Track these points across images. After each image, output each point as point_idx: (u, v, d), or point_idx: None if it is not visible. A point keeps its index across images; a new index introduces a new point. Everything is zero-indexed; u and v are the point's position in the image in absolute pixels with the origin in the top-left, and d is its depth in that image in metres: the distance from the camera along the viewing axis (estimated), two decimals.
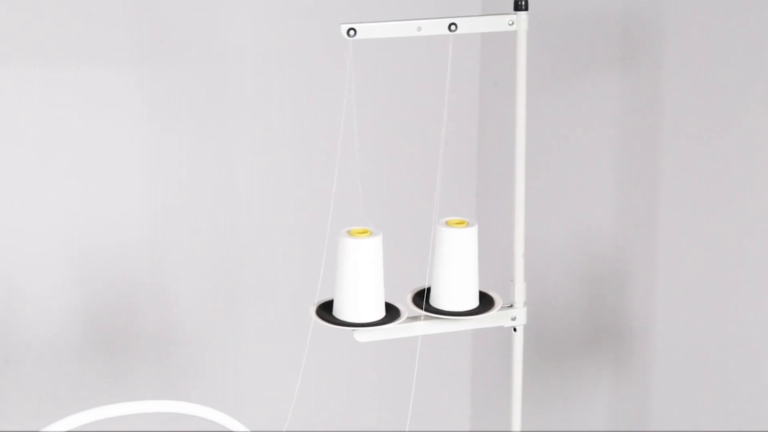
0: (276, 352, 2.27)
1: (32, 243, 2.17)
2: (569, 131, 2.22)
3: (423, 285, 1.71)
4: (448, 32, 1.61)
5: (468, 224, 1.67)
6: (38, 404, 2.19)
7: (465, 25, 1.62)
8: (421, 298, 1.70)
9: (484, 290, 1.71)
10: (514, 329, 1.74)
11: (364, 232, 1.63)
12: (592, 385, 2.25)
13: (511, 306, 1.73)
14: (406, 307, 1.68)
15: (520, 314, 1.73)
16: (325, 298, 1.67)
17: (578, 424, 2.26)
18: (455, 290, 1.66)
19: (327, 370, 2.34)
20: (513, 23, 1.65)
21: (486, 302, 1.70)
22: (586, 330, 2.27)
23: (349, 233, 1.62)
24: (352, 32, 1.57)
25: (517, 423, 1.70)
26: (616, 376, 2.22)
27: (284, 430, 1.49)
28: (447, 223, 1.67)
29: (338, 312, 1.64)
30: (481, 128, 2.34)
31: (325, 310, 1.66)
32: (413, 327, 1.67)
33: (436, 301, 1.68)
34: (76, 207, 2.19)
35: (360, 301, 1.61)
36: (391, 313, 1.66)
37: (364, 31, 1.58)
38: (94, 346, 2.24)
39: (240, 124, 2.22)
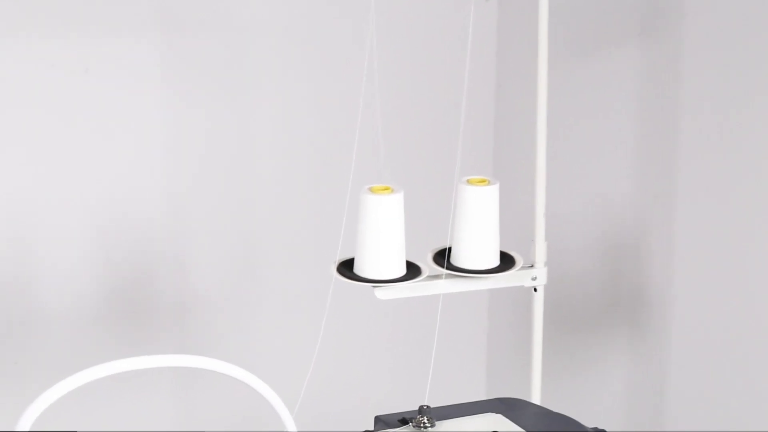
0: (296, 318, 2.26)
1: (54, 215, 2.17)
2: (588, 99, 2.21)
3: (444, 245, 1.71)
4: None
5: (489, 183, 1.66)
6: (58, 372, 2.19)
7: None
8: (442, 258, 1.70)
9: (505, 251, 1.71)
10: (535, 289, 1.73)
11: (386, 189, 1.63)
12: (609, 357, 2.25)
13: (532, 266, 1.73)
14: (427, 265, 1.68)
15: (540, 274, 1.73)
16: (347, 256, 1.68)
17: (595, 396, 2.26)
18: (476, 249, 1.66)
19: (346, 330, 2.33)
20: None
21: (506, 262, 1.70)
22: (604, 302, 2.26)
23: (371, 190, 1.62)
24: None
25: (537, 382, 1.70)
26: (634, 349, 2.22)
27: (303, 389, 1.49)
28: (468, 182, 1.67)
29: (359, 269, 1.64)
30: (499, 89, 2.34)
31: (346, 268, 1.66)
32: (434, 285, 1.66)
33: (456, 260, 1.68)
34: (98, 180, 2.19)
35: (381, 257, 1.61)
36: (412, 271, 1.66)
37: None
38: (115, 316, 2.24)
39: (260, 91, 2.22)
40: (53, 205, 2.17)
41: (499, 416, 1.49)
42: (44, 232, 2.18)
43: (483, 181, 1.67)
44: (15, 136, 2.11)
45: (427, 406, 1.45)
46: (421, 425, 1.45)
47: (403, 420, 1.46)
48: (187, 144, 2.23)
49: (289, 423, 1.56)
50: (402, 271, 1.64)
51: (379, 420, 1.48)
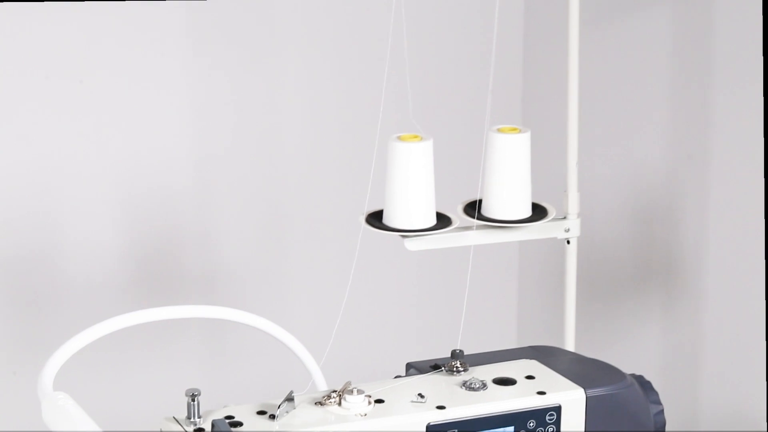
0: (325, 280, 2.23)
1: (79, 188, 2.16)
2: (620, 56, 2.17)
3: (475, 197, 1.68)
4: None
5: (520, 131, 1.63)
6: (90, 363, 2.17)
7: None
8: (473, 210, 1.66)
9: (537, 203, 1.68)
10: (568, 241, 1.70)
11: (415, 137, 1.60)
12: (641, 323, 2.21)
13: (565, 218, 1.69)
14: (458, 216, 1.64)
15: (573, 226, 1.69)
16: (376, 209, 1.64)
17: (628, 363, 2.22)
18: (507, 199, 1.62)
19: (376, 282, 2.30)
20: None
21: (538, 214, 1.66)
22: (636, 266, 2.22)
23: (400, 138, 1.59)
24: None
25: (570, 332, 1.66)
26: (667, 314, 2.17)
27: (332, 337, 1.46)
28: (499, 130, 1.63)
29: (388, 220, 1.61)
30: (527, 38, 2.30)
31: (375, 218, 1.63)
32: (465, 236, 1.63)
33: (487, 211, 1.64)
34: (124, 152, 2.17)
35: (411, 206, 1.58)
36: (442, 222, 1.63)
37: None
38: (141, 289, 2.22)
39: (286, 49, 2.20)
40: (78, 177, 2.16)
41: (534, 362, 1.45)
42: (69, 205, 2.16)
43: (514, 129, 1.64)
44: (39, 105, 2.09)
45: (460, 351, 1.42)
46: (454, 369, 1.41)
47: (436, 366, 1.43)
48: (214, 113, 2.21)
49: (315, 371, 1.54)
50: (432, 221, 1.61)
51: (410, 366, 1.44)
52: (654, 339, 2.17)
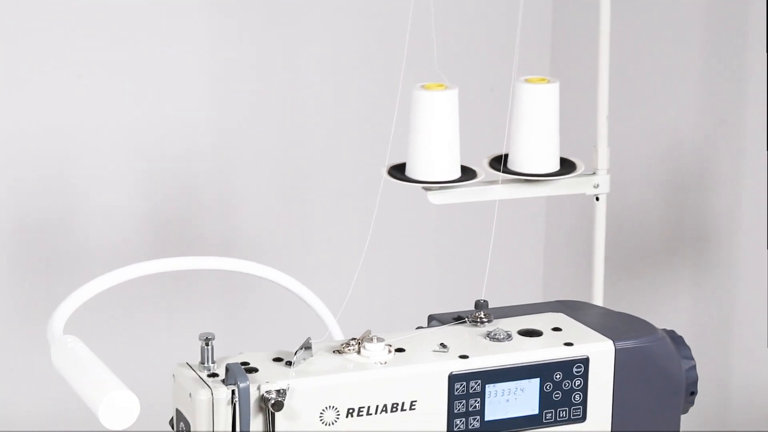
0: (346, 238, 2.19)
1: (96, 151, 2.12)
2: (653, 13, 2.11)
3: (500, 152, 1.63)
4: None
5: (549, 81, 1.58)
6: (98, 311, 2.13)
7: None
8: (499, 164, 1.61)
9: (565, 157, 1.63)
10: (597, 198, 1.65)
11: (440, 86, 1.55)
12: (672, 290, 2.15)
13: (594, 173, 1.64)
14: (483, 170, 1.60)
15: (603, 182, 1.64)
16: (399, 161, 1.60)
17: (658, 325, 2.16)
18: (535, 152, 1.57)
19: (398, 236, 2.26)
20: None
21: (567, 168, 1.61)
22: (667, 233, 2.16)
23: (424, 87, 1.55)
24: None
25: (599, 288, 1.61)
26: (699, 282, 2.12)
27: (349, 293, 1.41)
28: (527, 81, 1.58)
29: (411, 172, 1.56)
30: None
31: (398, 172, 1.58)
32: (489, 190, 1.58)
33: (514, 165, 1.60)
34: (143, 116, 2.14)
35: (434, 157, 1.53)
36: (467, 175, 1.58)
37: None
38: (160, 254, 2.18)
39: (310, 8, 2.15)
40: (95, 140, 2.12)
41: (561, 315, 1.40)
42: (88, 170, 2.13)
43: (542, 79, 1.59)
44: (59, 68, 2.06)
45: (485, 301, 1.37)
46: (478, 321, 1.36)
47: (459, 318, 1.38)
48: (236, 77, 2.17)
49: (331, 323, 1.49)
50: (456, 174, 1.56)
51: (432, 318, 1.40)
52: (684, 305, 2.11)
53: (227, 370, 1.21)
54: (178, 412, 1.25)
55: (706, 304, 2.10)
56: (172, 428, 1.28)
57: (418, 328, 1.38)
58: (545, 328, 1.36)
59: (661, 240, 2.18)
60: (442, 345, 1.31)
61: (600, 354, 1.33)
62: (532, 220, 2.37)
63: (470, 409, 1.29)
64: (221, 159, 2.21)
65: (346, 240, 2.20)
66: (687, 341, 1.40)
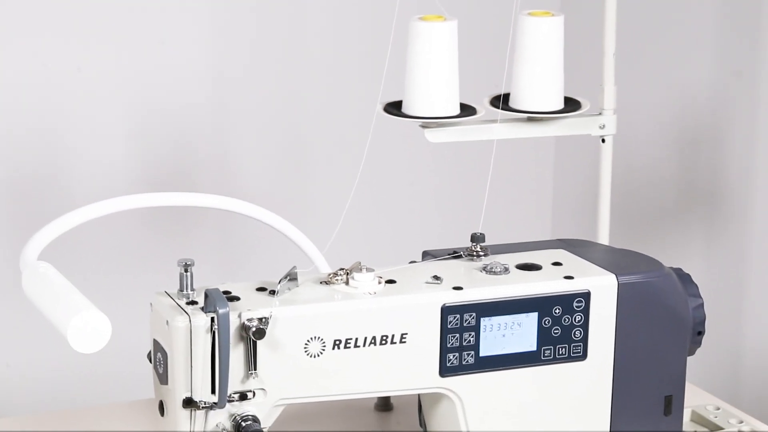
0: (345, 182, 2.13)
1: (89, 106, 2.06)
2: None
3: (502, 91, 1.56)
4: None
5: (553, 14, 1.51)
6: (93, 273, 2.08)
7: None
8: (500, 103, 1.54)
9: (570, 96, 1.56)
10: (603, 140, 1.58)
11: (438, 17, 1.48)
12: (684, 249, 2.08)
13: (600, 113, 1.57)
14: (483, 107, 1.53)
15: (609, 122, 1.57)
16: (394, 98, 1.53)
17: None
18: (537, 88, 1.50)
19: (394, 174, 2.20)
20: None
21: (571, 107, 1.54)
22: (679, 189, 2.09)
23: (422, 19, 1.48)
24: None
25: (605, 228, 1.54)
26: (711, 241, 2.05)
27: (339, 225, 1.34)
28: (530, 14, 1.51)
29: (408, 108, 1.49)
30: None
31: (396, 108, 1.52)
32: (489, 129, 1.51)
33: (515, 103, 1.53)
34: (137, 69, 2.08)
35: (432, 91, 1.46)
36: (466, 112, 1.51)
37: None
38: (153, 217, 2.12)
39: None
40: (88, 94, 2.06)
41: (562, 251, 1.33)
42: (79, 124, 2.07)
43: (546, 13, 1.52)
44: (50, 20, 2.00)
45: (481, 234, 1.30)
46: (474, 254, 1.30)
47: (454, 253, 1.31)
48: (231, 34, 2.11)
49: (318, 258, 1.43)
50: (455, 111, 1.49)
51: (427, 254, 1.33)
52: (696, 261, 2.04)
53: (206, 296, 1.15)
54: (155, 342, 1.19)
55: (717, 268, 2.03)
56: (150, 362, 1.21)
57: (411, 262, 1.31)
58: (545, 263, 1.30)
59: (673, 201, 2.11)
60: (435, 277, 1.25)
61: (602, 288, 1.26)
62: (541, 162, 2.30)
63: (464, 344, 1.22)
64: (218, 103, 2.14)
65: (344, 181, 2.13)
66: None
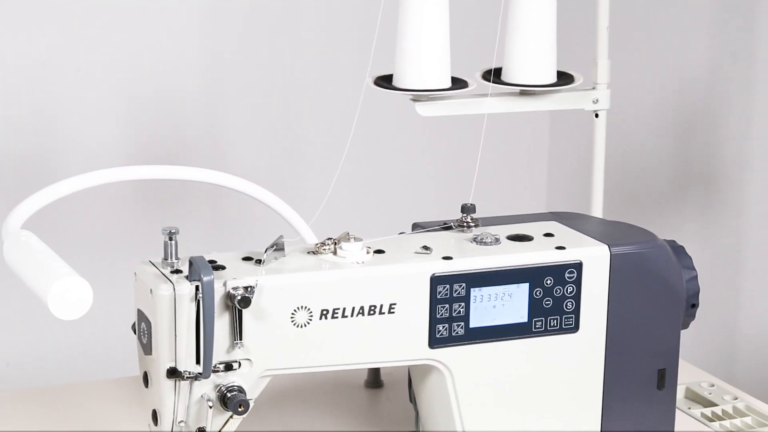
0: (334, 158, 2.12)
1: (78, 85, 2.04)
2: None
3: (493, 65, 1.54)
4: None
5: None
6: (87, 247, 2.05)
7: None
8: (492, 76, 1.52)
9: (563, 70, 1.54)
10: (596, 114, 1.56)
11: None
12: (679, 226, 2.06)
13: (593, 88, 1.55)
14: (475, 81, 1.51)
15: (602, 97, 1.55)
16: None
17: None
18: (529, 61, 1.48)
19: (385, 147, 2.19)
20: None
21: (564, 80, 1.52)
22: (675, 171, 2.07)
23: None
24: None
25: (598, 203, 1.52)
26: (707, 222, 2.03)
27: (326, 197, 1.32)
28: None
29: (398, 81, 1.47)
30: None
31: (385, 80, 1.50)
32: (480, 103, 1.49)
33: (507, 77, 1.51)
34: (129, 45, 2.06)
35: (423, 62, 1.44)
36: (458, 85, 1.49)
37: None
38: (143, 198, 2.10)
39: None
40: (79, 74, 2.04)
41: (554, 222, 1.31)
42: (69, 104, 2.05)
43: None
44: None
45: (472, 204, 1.28)
46: (464, 225, 1.28)
47: (445, 224, 1.29)
48: (223, 13, 2.09)
49: (304, 229, 1.41)
50: (446, 84, 1.47)
51: (417, 226, 1.31)
52: (692, 238, 2.01)
53: (191, 264, 1.13)
54: (139, 312, 1.17)
55: (714, 237, 2.01)
56: (135, 333, 1.19)
57: (400, 233, 1.29)
58: (536, 234, 1.28)
59: (668, 183, 2.09)
60: (425, 247, 1.23)
61: (594, 259, 1.24)
62: (536, 138, 2.28)
63: (454, 315, 1.20)
64: (208, 79, 2.12)
65: (335, 155, 2.11)
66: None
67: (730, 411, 1.40)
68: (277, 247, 1.19)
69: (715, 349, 1.99)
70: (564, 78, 1.52)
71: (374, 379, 1.48)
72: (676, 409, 1.34)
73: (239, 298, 1.12)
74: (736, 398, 1.43)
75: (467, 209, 1.28)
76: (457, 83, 1.49)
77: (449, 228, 1.29)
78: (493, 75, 1.51)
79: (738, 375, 1.95)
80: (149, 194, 2.10)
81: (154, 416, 1.17)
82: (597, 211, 1.54)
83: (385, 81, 1.49)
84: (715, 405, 1.41)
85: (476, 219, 1.28)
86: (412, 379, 1.29)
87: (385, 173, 2.24)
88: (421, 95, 1.45)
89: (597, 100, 1.54)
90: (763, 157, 1.94)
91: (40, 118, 2.04)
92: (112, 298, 1.79)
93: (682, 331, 1.32)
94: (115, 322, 1.76)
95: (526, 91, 1.49)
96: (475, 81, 1.50)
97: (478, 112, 1.49)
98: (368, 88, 1.47)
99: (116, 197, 2.08)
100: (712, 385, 1.46)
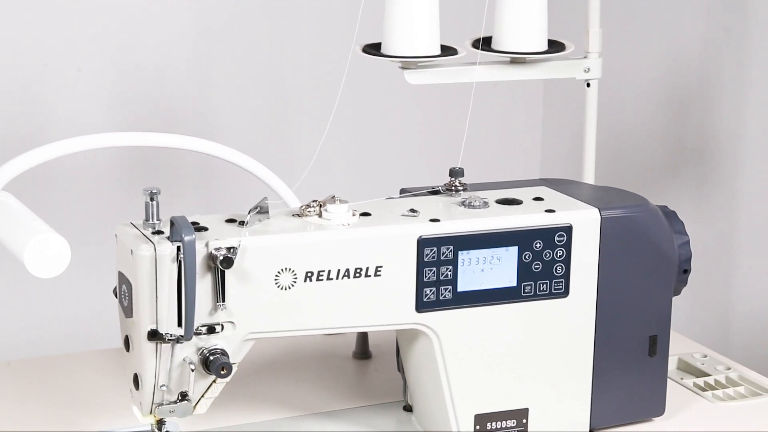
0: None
1: (65, 60, 2.01)
2: None
3: (482, 34, 1.52)
4: None
5: None
6: (74, 220, 2.03)
7: None
8: (481, 44, 1.50)
9: (554, 38, 1.52)
10: (588, 84, 1.54)
11: None
12: (672, 201, 2.03)
13: (585, 57, 1.53)
14: (465, 49, 1.49)
15: (594, 66, 1.52)
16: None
17: None
18: (519, 28, 1.45)
19: (374, 115, 2.16)
20: None
21: (555, 49, 1.50)
22: (668, 146, 2.05)
23: None
24: None
25: (589, 179, 1.50)
26: (700, 198, 2.00)
27: (311, 163, 1.30)
28: None
29: (387, 48, 1.45)
30: None
31: (375, 49, 1.48)
32: (471, 71, 1.47)
33: (498, 45, 1.48)
34: (116, 22, 2.03)
35: (413, 28, 1.41)
36: (447, 53, 1.47)
37: None
38: (133, 170, 2.07)
39: None
40: (67, 51, 2.01)
41: (544, 187, 1.29)
42: (56, 81, 2.02)
43: None
44: None
45: (460, 168, 1.26)
46: (453, 189, 1.25)
47: (433, 189, 1.27)
48: None
49: (287, 195, 1.40)
50: (435, 51, 1.45)
51: (404, 191, 1.29)
52: (686, 206, 1.99)
53: (172, 224, 1.11)
54: (120, 275, 1.15)
55: (707, 207, 1.99)
56: (116, 297, 1.17)
57: (387, 198, 1.27)
58: (526, 198, 1.26)
59: (661, 161, 2.07)
60: (412, 210, 1.21)
61: (584, 222, 1.22)
62: (529, 107, 2.26)
63: (441, 278, 1.18)
64: (198, 47, 2.09)
65: (324, 123, 2.09)
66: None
67: (723, 381, 1.38)
68: (261, 209, 1.17)
69: (709, 321, 1.97)
70: (555, 46, 1.51)
71: (362, 350, 1.45)
72: (669, 380, 1.32)
73: (221, 258, 1.10)
74: (729, 368, 1.41)
75: (455, 173, 1.25)
76: (447, 51, 1.47)
77: (437, 193, 1.27)
78: (484, 43, 1.49)
79: (732, 348, 1.92)
80: (134, 163, 2.07)
81: (136, 381, 1.15)
82: (589, 180, 1.51)
83: (374, 49, 1.47)
84: (708, 375, 1.39)
85: (465, 183, 1.26)
86: (399, 346, 1.27)
87: (373, 141, 2.22)
88: (410, 62, 1.43)
89: (588, 69, 1.52)
90: (756, 127, 1.92)
91: (27, 94, 2.01)
92: (95, 268, 1.77)
93: (676, 304, 1.30)
94: (98, 294, 1.73)
95: (517, 59, 1.47)
96: (465, 49, 1.48)
97: (468, 80, 1.47)
98: (357, 56, 1.45)
99: (101, 166, 2.05)
100: (705, 356, 1.44)
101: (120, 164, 2.07)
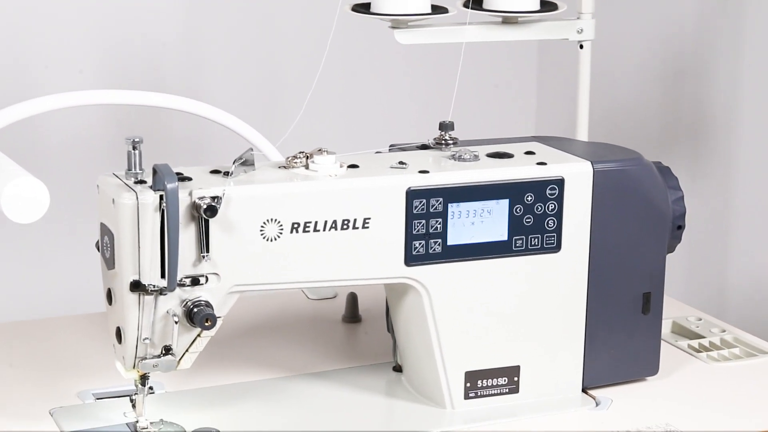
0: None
1: (54, 37, 1.99)
2: None
3: None
4: None
5: None
6: (65, 204, 2.00)
7: None
8: (476, 6, 1.48)
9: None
10: (581, 45, 1.51)
11: None
12: (669, 154, 2.01)
13: (578, 17, 1.51)
14: (456, 9, 1.47)
15: (587, 27, 1.50)
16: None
17: None
18: None
19: (366, 74, 2.14)
20: None
21: (548, 9, 1.48)
22: (663, 122, 2.03)
23: None
24: None
25: (584, 124, 1.48)
26: (695, 175, 1.98)
27: (298, 117, 1.27)
28: None
29: (376, 6, 1.42)
30: None
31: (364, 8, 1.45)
32: (462, 31, 1.45)
33: (490, 4, 1.46)
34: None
35: None
36: (438, 12, 1.45)
37: None
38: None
39: None
40: (53, 25, 1.99)
41: (536, 143, 1.27)
42: (43, 54, 1.99)
43: None
44: None
45: (450, 122, 1.24)
46: (443, 143, 1.23)
47: (422, 145, 1.25)
48: None
49: (271, 152, 1.38)
50: (426, 9, 1.43)
51: (394, 146, 1.26)
52: (682, 172, 1.96)
53: (155, 172, 1.08)
54: (102, 226, 1.12)
55: (703, 175, 1.96)
56: (98, 250, 1.15)
57: (376, 153, 1.25)
58: (517, 152, 1.23)
59: (655, 137, 2.05)
60: (401, 162, 1.18)
61: (576, 175, 1.19)
62: (523, 68, 2.24)
63: (431, 231, 1.16)
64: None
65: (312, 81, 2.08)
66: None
67: (718, 342, 1.36)
68: (247, 161, 1.14)
69: (704, 287, 1.95)
70: (547, 6, 1.48)
71: (352, 314, 1.43)
72: (663, 341, 1.29)
73: (205, 207, 1.08)
74: (723, 331, 1.38)
75: (445, 126, 1.23)
76: (438, 10, 1.44)
77: (427, 147, 1.25)
78: (475, 2, 1.47)
79: (727, 313, 1.90)
80: (123, 125, 2.04)
81: (118, 334, 1.12)
82: (582, 137, 1.49)
83: (364, 9, 1.45)
84: (703, 337, 1.37)
85: (455, 138, 1.24)
86: (388, 303, 1.24)
87: (363, 99, 2.19)
88: (399, 21, 1.41)
89: (581, 30, 1.50)
90: (751, 93, 1.90)
91: (16, 67, 1.99)
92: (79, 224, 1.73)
93: (671, 269, 1.28)
94: (81, 255, 1.70)
95: (509, 19, 1.45)
96: (456, 9, 1.46)
97: (458, 40, 1.44)
98: (347, 14, 1.43)
99: (87, 124, 2.03)
100: (700, 319, 1.42)
101: (105, 122, 2.04)
